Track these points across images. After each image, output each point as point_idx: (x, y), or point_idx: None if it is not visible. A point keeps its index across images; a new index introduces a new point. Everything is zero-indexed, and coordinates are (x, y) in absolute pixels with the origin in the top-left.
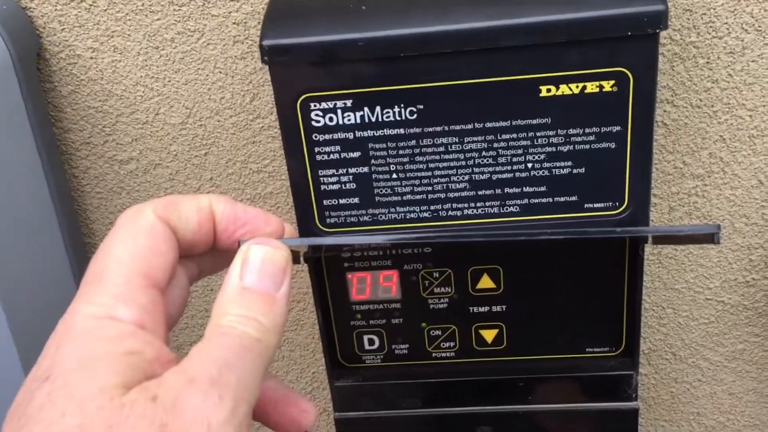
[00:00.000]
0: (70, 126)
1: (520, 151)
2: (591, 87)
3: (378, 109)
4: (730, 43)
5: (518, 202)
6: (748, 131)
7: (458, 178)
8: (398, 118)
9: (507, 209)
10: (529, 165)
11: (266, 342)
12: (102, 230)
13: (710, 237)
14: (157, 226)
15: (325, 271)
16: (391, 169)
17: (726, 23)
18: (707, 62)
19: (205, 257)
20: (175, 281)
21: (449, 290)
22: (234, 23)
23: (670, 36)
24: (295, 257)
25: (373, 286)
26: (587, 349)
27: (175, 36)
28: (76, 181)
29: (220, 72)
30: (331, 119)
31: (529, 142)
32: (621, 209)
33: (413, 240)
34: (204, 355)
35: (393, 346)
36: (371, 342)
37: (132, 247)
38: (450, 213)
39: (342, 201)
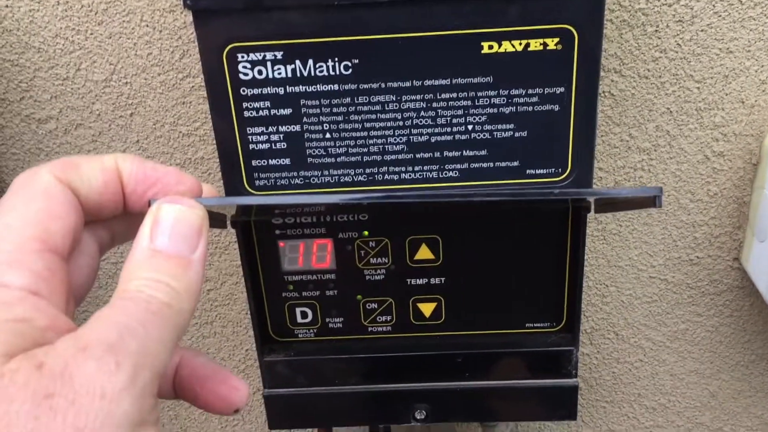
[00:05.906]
0: None
1: (460, 112)
2: (534, 44)
3: (311, 62)
4: (679, 11)
5: (458, 166)
6: (695, 104)
7: (395, 140)
8: (332, 72)
9: (446, 174)
10: (470, 127)
11: (177, 307)
12: None
13: (652, 200)
14: (55, 188)
15: (255, 239)
16: (325, 128)
17: None
18: (656, 30)
19: (116, 222)
20: (82, 248)
21: (386, 261)
22: None
23: (619, 2)
24: (222, 221)
25: (306, 256)
26: (527, 324)
27: None
28: None
29: (147, 26)
30: (260, 72)
31: (469, 102)
32: (564, 176)
33: (346, 201)
34: (103, 321)
35: (327, 320)
36: (304, 315)
37: (24, 211)
38: (386, 177)
39: (272, 162)
